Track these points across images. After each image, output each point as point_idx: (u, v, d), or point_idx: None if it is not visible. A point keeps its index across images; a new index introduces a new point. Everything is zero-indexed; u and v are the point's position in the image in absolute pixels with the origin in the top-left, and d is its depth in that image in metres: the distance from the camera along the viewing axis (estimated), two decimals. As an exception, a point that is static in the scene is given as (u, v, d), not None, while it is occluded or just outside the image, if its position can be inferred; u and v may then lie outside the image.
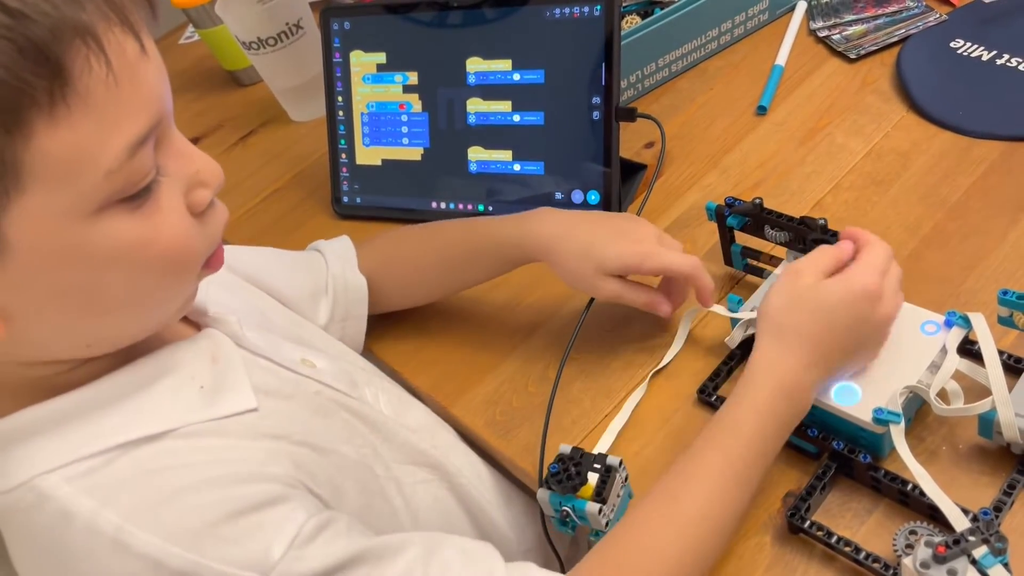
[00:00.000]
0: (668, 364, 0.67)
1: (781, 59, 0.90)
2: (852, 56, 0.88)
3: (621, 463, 0.57)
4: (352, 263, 0.74)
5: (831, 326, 0.53)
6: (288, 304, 0.69)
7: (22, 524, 0.44)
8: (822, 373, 0.54)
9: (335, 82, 0.90)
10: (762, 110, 0.86)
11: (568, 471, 0.56)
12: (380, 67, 0.88)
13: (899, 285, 0.56)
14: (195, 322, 0.56)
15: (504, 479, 0.72)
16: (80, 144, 0.38)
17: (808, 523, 0.53)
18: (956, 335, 0.56)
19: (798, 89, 0.87)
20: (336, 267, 0.73)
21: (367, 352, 0.76)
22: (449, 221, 0.74)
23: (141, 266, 0.43)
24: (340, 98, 0.90)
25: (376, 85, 0.88)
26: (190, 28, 1.42)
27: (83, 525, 0.43)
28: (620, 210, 0.80)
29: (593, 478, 0.56)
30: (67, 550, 0.43)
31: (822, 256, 0.56)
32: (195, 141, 1.14)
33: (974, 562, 0.46)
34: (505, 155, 0.83)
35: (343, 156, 0.91)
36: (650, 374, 0.66)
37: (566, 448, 0.58)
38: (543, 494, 0.57)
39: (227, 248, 0.69)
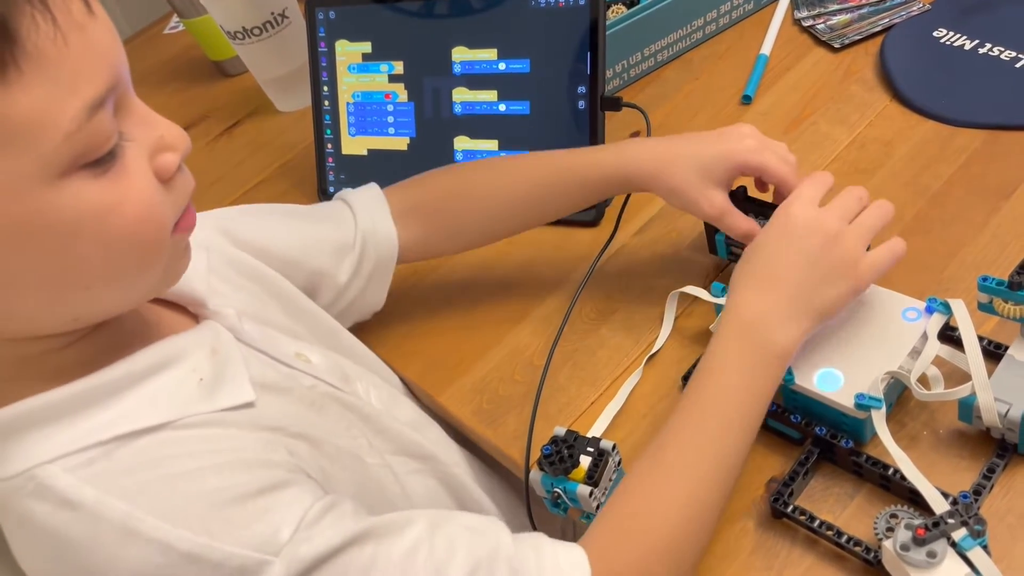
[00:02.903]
0: (654, 352, 0.67)
1: (766, 48, 0.90)
2: (836, 45, 0.88)
3: (615, 447, 0.58)
4: (383, 213, 0.70)
5: (788, 261, 0.55)
6: (305, 265, 0.67)
7: (21, 513, 0.44)
8: (787, 307, 0.54)
9: (320, 72, 0.90)
10: (747, 99, 0.86)
11: (561, 453, 0.57)
12: (365, 56, 0.88)
13: (868, 233, 0.56)
14: (194, 314, 0.56)
15: (492, 473, 0.72)
16: (37, 106, 0.38)
17: (791, 508, 0.54)
18: (937, 321, 0.57)
19: (783, 78, 0.88)
20: (365, 220, 0.70)
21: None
22: (515, 156, 0.70)
23: (111, 233, 0.42)
24: (325, 88, 0.90)
25: (361, 75, 0.88)
26: (175, 18, 1.41)
27: (88, 514, 0.43)
28: (605, 204, 0.80)
29: (586, 461, 0.57)
30: (71, 539, 0.43)
31: (813, 190, 0.57)
32: (180, 131, 1.14)
33: (953, 544, 0.47)
34: (491, 144, 0.83)
35: (329, 146, 0.91)
36: (645, 360, 0.67)
37: (560, 430, 0.58)
38: (535, 475, 0.58)
39: (232, 213, 0.68)
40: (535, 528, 0.64)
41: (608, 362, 0.68)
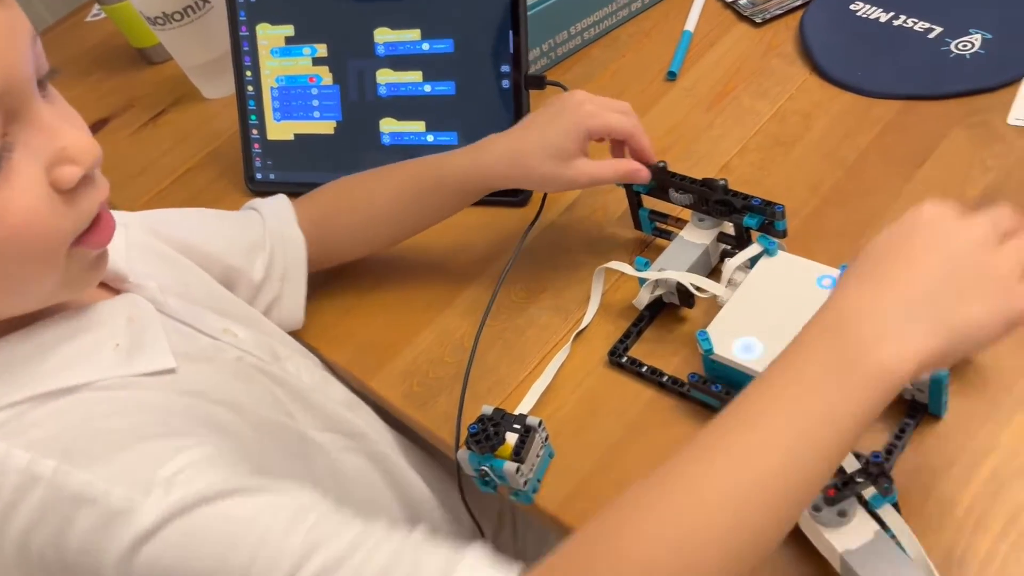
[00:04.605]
0: (582, 328, 0.68)
1: (690, 25, 0.91)
2: (758, 20, 0.89)
3: (541, 423, 0.58)
4: (290, 219, 0.72)
5: (916, 260, 0.41)
6: (222, 260, 0.68)
7: None
8: (904, 310, 0.40)
9: (243, 56, 0.88)
10: (672, 76, 0.87)
11: (487, 431, 0.57)
12: (288, 40, 0.86)
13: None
14: (116, 289, 0.55)
15: (426, 454, 0.72)
16: None
17: (713, 475, 0.55)
18: (850, 288, 0.58)
19: (707, 54, 0.88)
20: (273, 223, 0.72)
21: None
22: (396, 164, 0.72)
23: None
24: (248, 73, 0.89)
25: (285, 58, 0.87)
26: (97, 6, 1.37)
27: None
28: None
29: (512, 438, 0.57)
30: None
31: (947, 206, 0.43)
32: (104, 122, 1.11)
33: (865, 504, 0.48)
34: (418, 126, 0.82)
35: (254, 132, 0.90)
36: (573, 336, 0.67)
37: (488, 409, 0.59)
38: (463, 454, 0.58)
39: (155, 213, 0.68)
40: (468, 507, 0.64)
41: (537, 340, 0.69)
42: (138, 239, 0.60)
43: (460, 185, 0.68)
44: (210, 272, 0.66)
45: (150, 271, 0.57)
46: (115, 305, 0.52)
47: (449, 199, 0.69)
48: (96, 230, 0.46)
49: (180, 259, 0.64)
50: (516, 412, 0.60)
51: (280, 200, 0.74)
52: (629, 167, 0.65)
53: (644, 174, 0.65)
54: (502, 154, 0.65)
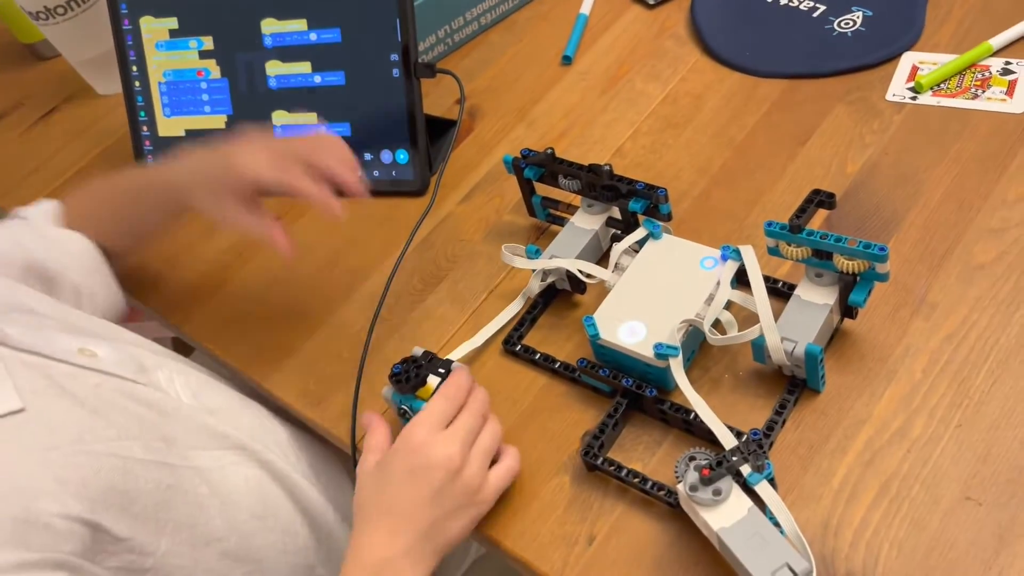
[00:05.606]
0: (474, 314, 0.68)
1: (585, 8, 0.91)
2: (651, 2, 0.89)
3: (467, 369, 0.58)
4: (55, 220, 0.70)
5: (414, 498, 0.52)
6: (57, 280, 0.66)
7: None
8: (417, 549, 0.51)
9: (127, 51, 0.86)
10: (567, 60, 0.87)
11: (408, 373, 0.58)
12: (173, 33, 0.83)
13: (488, 456, 0.55)
14: None
15: (322, 447, 0.71)
16: None
17: (601, 460, 0.55)
18: (730, 268, 0.59)
19: (602, 37, 0.88)
20: (39, 230, 0.69)
21: (174, 331, 0.74)
22: (138, 168, 0.71)
23: None
24: (135, 68, 0.86)
25: (171, 52, 0.84)
26: (-17, -1, 1.31)
27: None
28: (431, 171, 0.80)
29: (435, 381, 0.58)
30: None
31: (443, 404, 0.55)
32: (-8, 122, 1.07)
33: (744, 481, 0.49)
34: (310, 118, 0.81)
35: (144, 129, 0.87)
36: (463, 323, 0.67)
37: (418, 351, 0.60)
38: (387, 391, 0.59)
39: None
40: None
41: (434, 331, 0.68)
42: None
43: (158, 195, 0.66)
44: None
45: None
46: None
47: (159, 209, 0.68)
48: None
49: (16, 283, 0.62)
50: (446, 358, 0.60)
51: (42, 205, 0.71)
52: (266, 233, 0.61)
53: (281, 247, 0.61)
54: (183, 169, 0.64)
